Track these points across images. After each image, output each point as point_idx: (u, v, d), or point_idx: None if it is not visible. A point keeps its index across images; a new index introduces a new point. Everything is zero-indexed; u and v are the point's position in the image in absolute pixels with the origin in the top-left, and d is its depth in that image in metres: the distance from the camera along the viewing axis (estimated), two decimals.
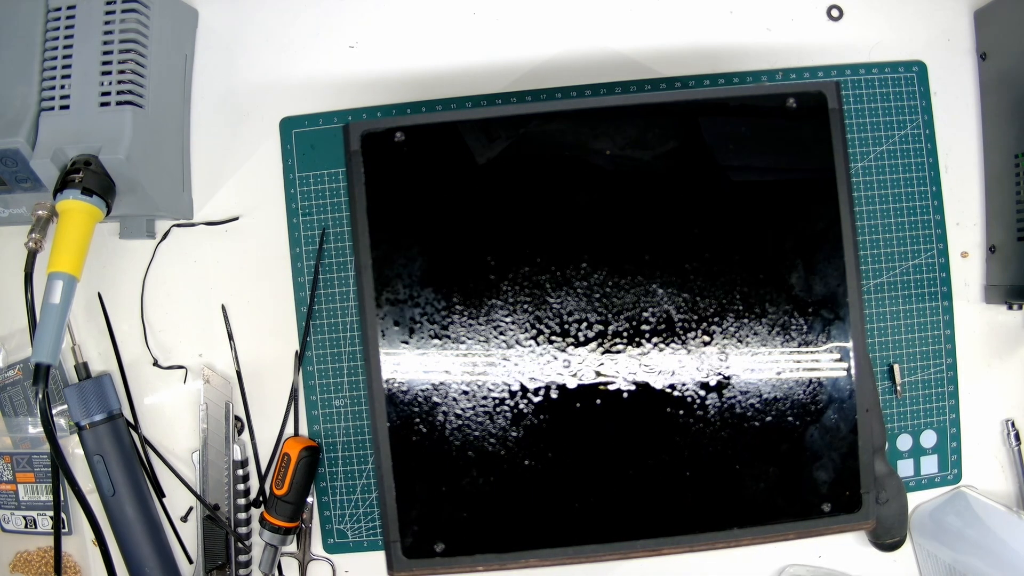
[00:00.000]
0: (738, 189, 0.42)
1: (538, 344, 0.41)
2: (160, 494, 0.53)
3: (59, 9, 0.47)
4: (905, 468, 0.53)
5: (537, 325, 0.41)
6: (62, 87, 0.46)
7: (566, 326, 0.41)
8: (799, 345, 0.41)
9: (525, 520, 0.41)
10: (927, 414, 0.53)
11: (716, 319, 0.41)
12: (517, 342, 0.41)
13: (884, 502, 0.50)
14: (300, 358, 0.52)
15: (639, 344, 0.41)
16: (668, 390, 0.41)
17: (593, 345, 0.41)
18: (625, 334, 0.41)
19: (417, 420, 0.42)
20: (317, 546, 0.53)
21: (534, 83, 0.53)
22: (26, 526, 0.53)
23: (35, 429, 0.53)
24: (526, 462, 0.41)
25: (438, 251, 0.42)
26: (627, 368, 0.41)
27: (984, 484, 0.54)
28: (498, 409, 0.41)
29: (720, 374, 0.41)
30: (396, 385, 0.42)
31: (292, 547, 0.52)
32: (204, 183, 0.54)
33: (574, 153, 0.42)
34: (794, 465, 0.41)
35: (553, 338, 0.41)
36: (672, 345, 0.41)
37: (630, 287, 0.41)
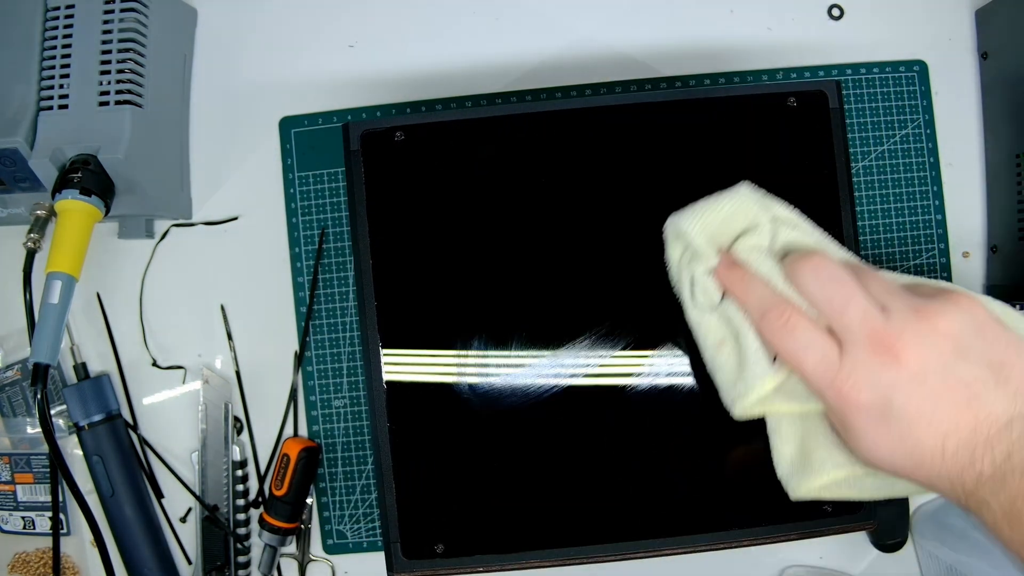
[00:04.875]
0: None
1: (541, 345, 0.41)
2: (159, 495, 0.53)
3: (57, 8, 0.47)
4: None
5: (540, 325, 0.41)
6: (61, 86, 0.46)
7: (569, 326, 0.41)
8: None
9: (526, 521, 0.41)
10: None
11: None
12: (519, 342, 0.41)
13: (885, 502, 0.49)
14: (300, 358, 0.52)
15: (641, 346, 0.41)
16: (670, 391, 0.41)
17: (596, 345, 0.41)
18: (629, 336, 0.41)
19: (417, 420, 0.41)
20: (316, 547, 0.53)
21: (534, 83, 0.53)
22: (24, 527, 0.53)
23: (33, 429, 0.52)
24: (527, 462, 0.41)
25: (439, 250, 0.42)
26: (629, 369, 0.41)
27: None
28: (499, 409, 0.41)
29: None
30: (396, 385, 0.41)
31: (291, 548, 0.52)
32: (203, 183, 0.54)
33: (575, 152, 0.42)
34: None
35: (555, 338, 0.41)
36: (674, 346, 0.41)
37: (632, 287, 0.41)
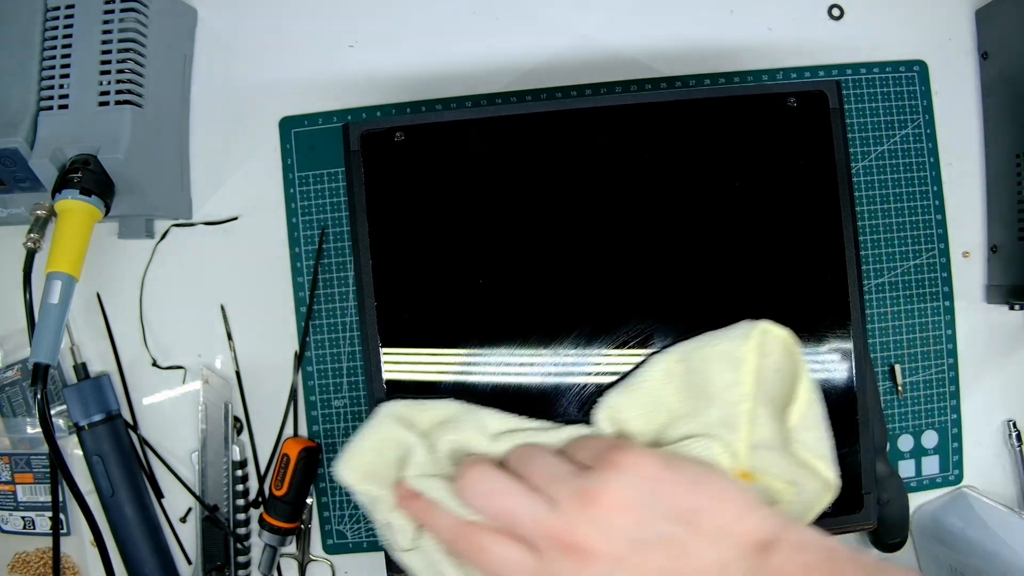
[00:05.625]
0: (738, 189, 0.42)
1: (540, 344, 0.41)
2: (159, 495, 0.53)
3: (57, 9, 0.47)
4: (906, 469, 0.53)
5: (539, 324, 0.41)
6: (61, 87, 0.46)
7: (570, 329, 0.41)
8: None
9: None
10: (928, 415, 0.53)
11: (717, 322, 0.41)
12: (519, 341, 0.41)
13: (885, 503, 0.50)
14: (300, 358, 0.52)
15: (642, 344, 0.41)
16: None
17: (596, 344, 0.41)
18: (631, 342, 0.41)
19: None
20: (316, 547, 0.53)
21: (534, 83, 0.53)
22: (25, 527, 0.53)
23: (33, 430, 0.52)
24: None
25: (438, 250, 0.42)
26: (628, 367, 0.41)
27: (986, 485, 0.54)
28: (499, 409, 0.41)
29: None
30: (396, 385, 0.41)
31: (291, 548, 0.52)
32: (203, 183, 0.54)
33: (575, 153, 0.42)
34: None
35: (555, 337, 0.41)
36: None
37: (633, 286, 0.41)
